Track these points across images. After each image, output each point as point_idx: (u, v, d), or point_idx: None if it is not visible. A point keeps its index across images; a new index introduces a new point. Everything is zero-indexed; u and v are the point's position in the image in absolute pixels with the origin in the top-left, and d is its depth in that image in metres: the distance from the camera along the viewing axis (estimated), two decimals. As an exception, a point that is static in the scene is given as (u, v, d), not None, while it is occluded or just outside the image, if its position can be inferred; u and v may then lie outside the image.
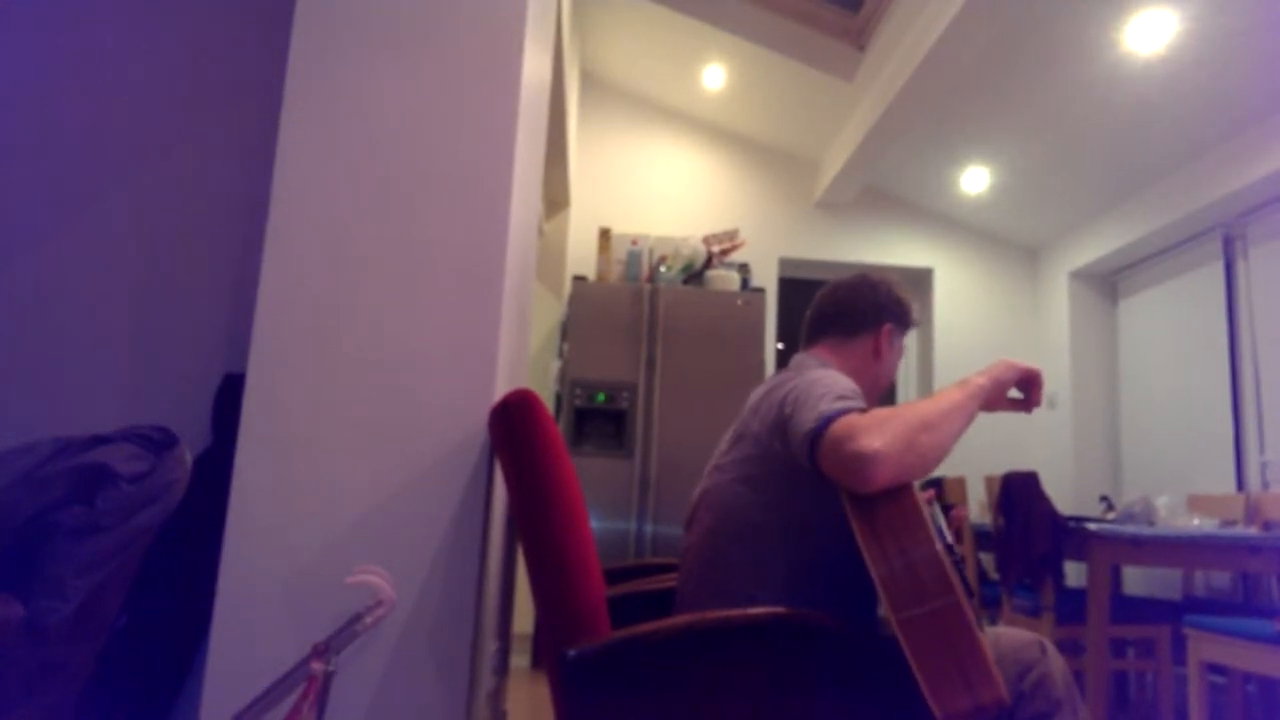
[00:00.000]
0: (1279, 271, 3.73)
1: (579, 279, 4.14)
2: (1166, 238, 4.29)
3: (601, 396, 3.94)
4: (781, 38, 4.06)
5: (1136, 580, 4.25)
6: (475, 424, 1.61)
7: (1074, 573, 4.24)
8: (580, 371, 3.97)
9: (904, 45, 3.65)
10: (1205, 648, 2.55)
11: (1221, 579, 3.77)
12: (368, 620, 1.28)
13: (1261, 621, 2.41)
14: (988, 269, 5.15)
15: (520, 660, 4.02)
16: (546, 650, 1.30)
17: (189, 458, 1.55)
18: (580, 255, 4.80)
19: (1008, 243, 5.19)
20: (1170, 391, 4.36)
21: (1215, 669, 3.10)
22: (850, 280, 1.65)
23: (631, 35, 4.46)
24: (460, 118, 1.71)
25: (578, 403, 3.94)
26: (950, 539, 1.40)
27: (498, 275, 1.66)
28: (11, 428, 1.94)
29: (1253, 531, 3.05)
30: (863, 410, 1.21)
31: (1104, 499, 3.97)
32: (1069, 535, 2.90)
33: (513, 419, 1.37)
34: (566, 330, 4.22)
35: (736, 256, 4.43)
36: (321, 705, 1.23)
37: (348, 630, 1.27)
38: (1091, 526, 2.78)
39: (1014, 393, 1.45)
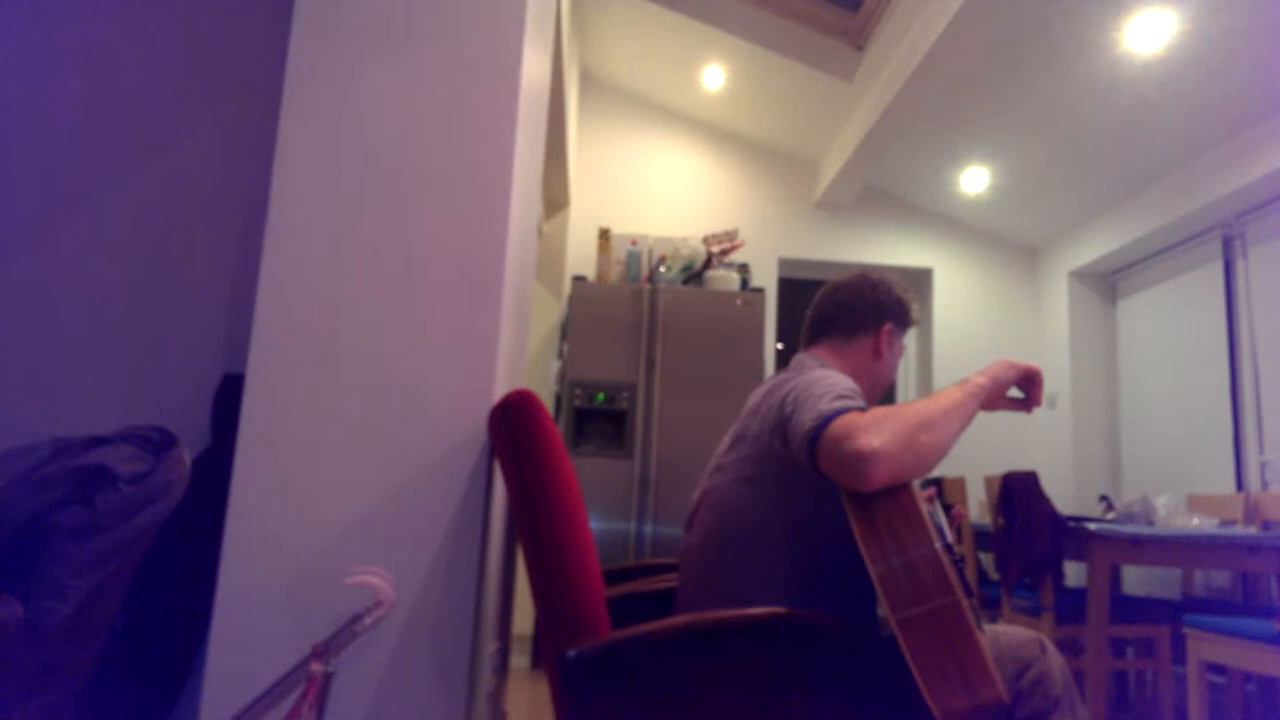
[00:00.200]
0: (1278, 271, 3.73)
1: (579, 279, 4.14)
2: (1166, 238, 4.30)
3: (601, 397, 3.94)
4: (781, 38, 4.07)
5: (1136, 580, 4.25)
6: (475, 424, 1.61)
7: (1073, 572, 4.24)
8: (580, 372, 3.97)
9: (903, 45, 3.65)
10: (1205, 647, 2.55)
11: (1221, 579, 3.77)
12: (367, 621, 1.28)
13: (1261, 621, 2.41)
14: (987, 269, 5.15)
15: (520, 660, 4.02)
16: (546, 650, 1.30)
17: (188, 458, 1.55)
18: (580, 255, 4.80)
19: (1007, 243, 5.20)
20: (1170, 391, 4.36)
21: (1215, 668, 3.11)
22: (850, 280, 1.65)
23: (631, 35, 4.46)
24: (460, 118, 1.71)
25: (577, 403, 3.94)
26: (951, 538, 1.40)
27: (497, 275, 1.66)
28: (11, 428, 1.94)
29: (1252, 531, 3.05)
30: (862, 409, 1.21)
31: (1103, 499, 3.97)
32: (1069, 535, 2.90)
33: (512, 419, 1.37)
34: (566, 330, 4.22)
35: (736, 257, 4.43)
36: (321, 705, 1.23)
37: (347, 631, 1.27)
38: (1091, 526, 2.78)
39: (1014, 392, 1.45)
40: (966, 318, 5.07)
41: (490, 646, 1.81)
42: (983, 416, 1.38)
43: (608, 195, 4.96)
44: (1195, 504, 3.62)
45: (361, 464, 1.57)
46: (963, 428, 1.25)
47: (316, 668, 1.24)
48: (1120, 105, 3.73)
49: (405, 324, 1.63)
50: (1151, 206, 4.22)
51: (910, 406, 1.20)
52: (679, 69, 4.61)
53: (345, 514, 1.56)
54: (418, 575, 1.55)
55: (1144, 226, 4.27)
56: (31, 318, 2.04)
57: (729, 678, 1.21)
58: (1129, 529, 2.77)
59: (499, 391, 1.67)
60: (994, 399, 1.39)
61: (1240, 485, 3.82)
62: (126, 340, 2.06)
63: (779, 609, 1.24)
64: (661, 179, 5.01)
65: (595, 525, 3.80)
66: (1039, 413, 4.89)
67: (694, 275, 4.22)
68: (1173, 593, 3.97)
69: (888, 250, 5.08)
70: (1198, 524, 2.99)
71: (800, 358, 1.59)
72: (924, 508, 1.15)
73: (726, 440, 1.53)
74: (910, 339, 5.24)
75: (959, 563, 1.24)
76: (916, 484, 1.20)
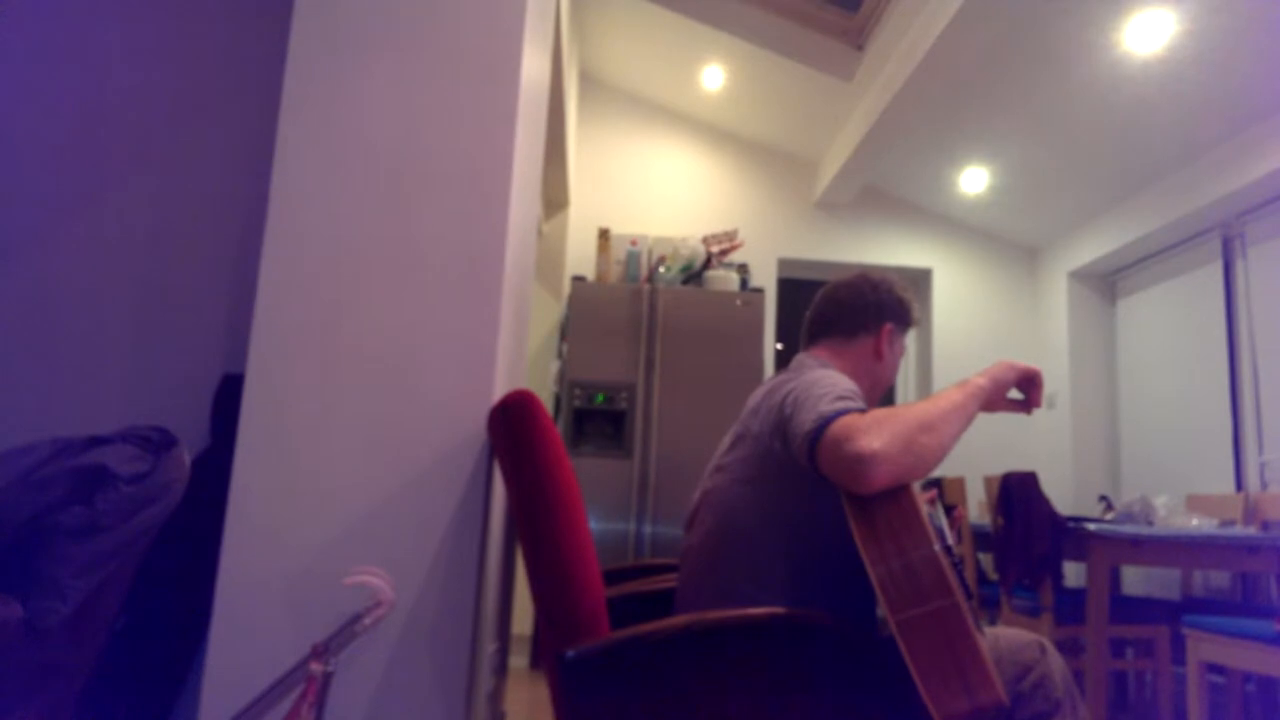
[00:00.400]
0: (1278, 272, 3.73)
1: (578, 279, 4.14)
2: (1166, 238, 4.30)
3: (601, 397, 3.94)
4: (780, 38, 4.07)
5: (1135, 580, 4.26)
6: (474, 424, 1.61)
7: (1073, 573, 4.25)
8: (579, 372, 3.97)
9: (903, 45, 3.65)
10: (1204, 647, 2.55)
11: (1220, 579, 3.78)
12: (367, 621, 1.28)
13: (1260, 621, 2.41)
14: (987, 269, 5.15)
15: (519, 660, 4.02)
16: (546, 651, 1.30)
17: (188, 458, 1.55)
18: (579, 256, 4.80)
19: (1007, 243, 5.20)
20: (1169, 391, 4.36)
21: (1214, 669, 3.11)
22: (850, 280, 1.65)
23: (630, 36, 4.46)
24: (460, 118, 1.71)
25: (577, 403, 3.94)
26: (951, 540, 1.40)
27: (497, 276, 1.66)
28: (11, 428, 1.94)
29: (1251, 531, 3.05)
30: (862, 411, 1.21)
31: (1103, 499, 3.97)
32: (1068, 535, 2.90)
33: (512, 420, 1.37)
34: (566, 331, 4.22)
35: (735, 257, 4.43)
36: (320, 705, 1.23)
37: (347, 631, 1.27)
38: (1090, 526, 2.79)
39: (1014, 393, 1.45)
40: (966, 318, 5.07)
41: (489, 646, 1.81)
42: (982, 417, 1.38)
43: (607, 195, 4.96)
44: (1194, 504, 3.62)
45: (361, 464, 1.57)
46: (962, 429, 1.25)
47: (316, 667, 1.24)
48: (1120, 105, 3.73)
49: (405, 324, 1.63)
50: (1151, 206, 4.22)
51: (910, 408, 1.20)
52: (679, 69, 4.61)
53: (345, 514, 1.56)
54: (417, 575, 1.55)
55: (1144, 226, 4.27)
56: (32, 318, 2.04)
57: (728, 678, 1.21)
58: (1128, 529, 2.77)
59: (499, 392, 1.67)
60: (994, 400, 1.39)
61: (1239, 485, 3.82)
62: (126, 340, 2.06)
63: (778, 609, 1.24)
64: (661, 179, 5.01)
65: (595, 525, 3.80)
66: (1039, 413, 4.89)
67: (693, 275, 4.22)
68: (1172, 593, 3.97)
69: (887, 250, 5.08)
70: (1197, 524, 2.99)
71: (800, 358, 1.58)
72: (924, 509, 1.15)
73: (727, 440, 1.53)
74: (910, 339, 5.23)
75: (959, 565, 1.24)
76: (917, 485, 1.20)
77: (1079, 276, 4.88)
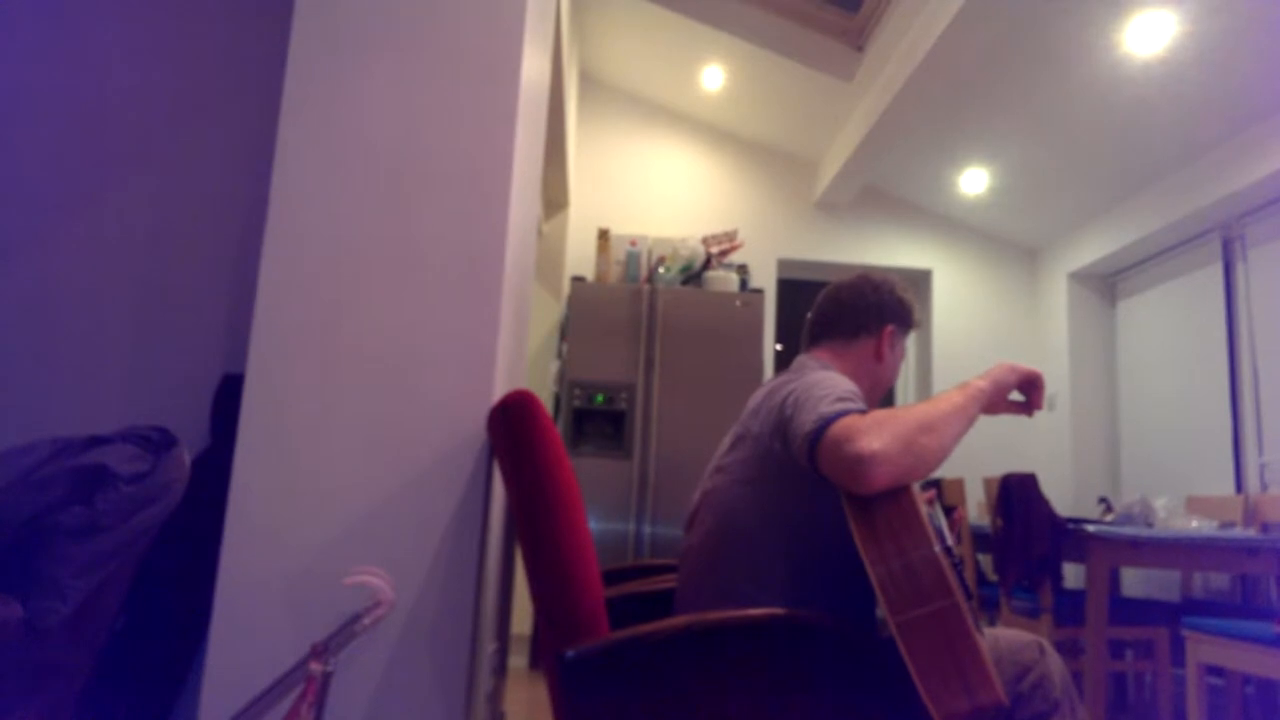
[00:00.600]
0: (1278, 273, 3.73)
1: (578, 280, 4.14)
2: (1166, 239, 4.30)
3: (600, 397, 3.94)
4: (780, 38, 4.07)
5: (1135, 582, 4.26)
6: (474, 425, 1.61)
7: (1072, 574, 4.25)
8: (579, 372, 3.97)
9: (903, 46, 3.65)
10: (1204, 649, 2.55)
11: (1220, 581, 3.78)
12: (366, 621, 1.28)
13: (1260, 623, 2.41)
14: (987, 270, 5.15)
15: (519, 661, 4.02)
16: (545, 651, 1.30)
17: (188, 458, 1.55)
18: (579, 256, 4.80)
19: (1007, 244, 5.20)
20: (1169, 393, 4.36)
21: (1214, 670, 3.11)
22: (851, 281, 1.64)
23: (630, 36, 4.46)
24: (460, 118, 1.71)
25: (577, 403, 3.94)
26: (951, 541, 1.40)
27: (496, 276, 1.66)
28: (11, 428, 1.94)
29: (1251, 533, 3.05)
30: (862, 412, 1.21)
31: (1102, 500, 3.96)
32: (1068, 537, 2.90)
33: (512, 420, 1.37)
34: (565, 331, 4.22)
35: (735, 257, 4.43)
36: (320, 705, 1.23)
37: (346, 630, 1.27)
38: (1090, 528, 2.79)
39: (1015, 395, 1.45)
40: (966, 319, 5.07)
41: (489, 647, 1.81)
42: (982, 419, 1.38)
43: (607, 195, 4.96)
44: (1194, 506, 3.62)
45: (361, 464, 1.57)
46: (963, 431, 1.25)
47: (315, 667, 1.24)
48: (1120, 106, 3.73)
49: (405, 324, 1.63)
50: (1151, 208, 4.22)
51: (911, 409, 1.20)
52: (679, 69, 4.61)
53: (345, 514, 1.56)
54: (417, 575, 1.55)
55: (1144, 228, 4.27)
56: (32, 318, 2.04)
57: (728, 678, 1.21)
58: (1128, 531, 2.77)
59: (499, 392, 1.67)
60: (995, 402, 1.39)
61: (1239, 487, 3.82)
62: (127, 340, 2.06)
63: (778, 609, 1.24)
64: (661, 179, 5.01)
65: (594, 525, 3.80)
66: (1039, 414, 4.86)
67: (693, 276, 4.22)
68: (1172, 594, 3.97)
69: (887, 251, 5.08)
70: (1197, 526, 3.00)
71: (801, 359, 1.58)
72: (924, 510, 1.15)
73: (727, 441, 1.53)
74: (910, 341, 5.22)
75: (959, 565, 1.25)
76: (916, 486, 1.20)
77: (1079, 277, 4.88)
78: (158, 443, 1.50)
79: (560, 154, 4.06)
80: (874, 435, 1.12)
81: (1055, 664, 1.32)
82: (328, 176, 1.67)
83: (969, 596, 1.20)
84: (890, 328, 1.60)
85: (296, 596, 1.52)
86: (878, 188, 5.10)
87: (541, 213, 4.37)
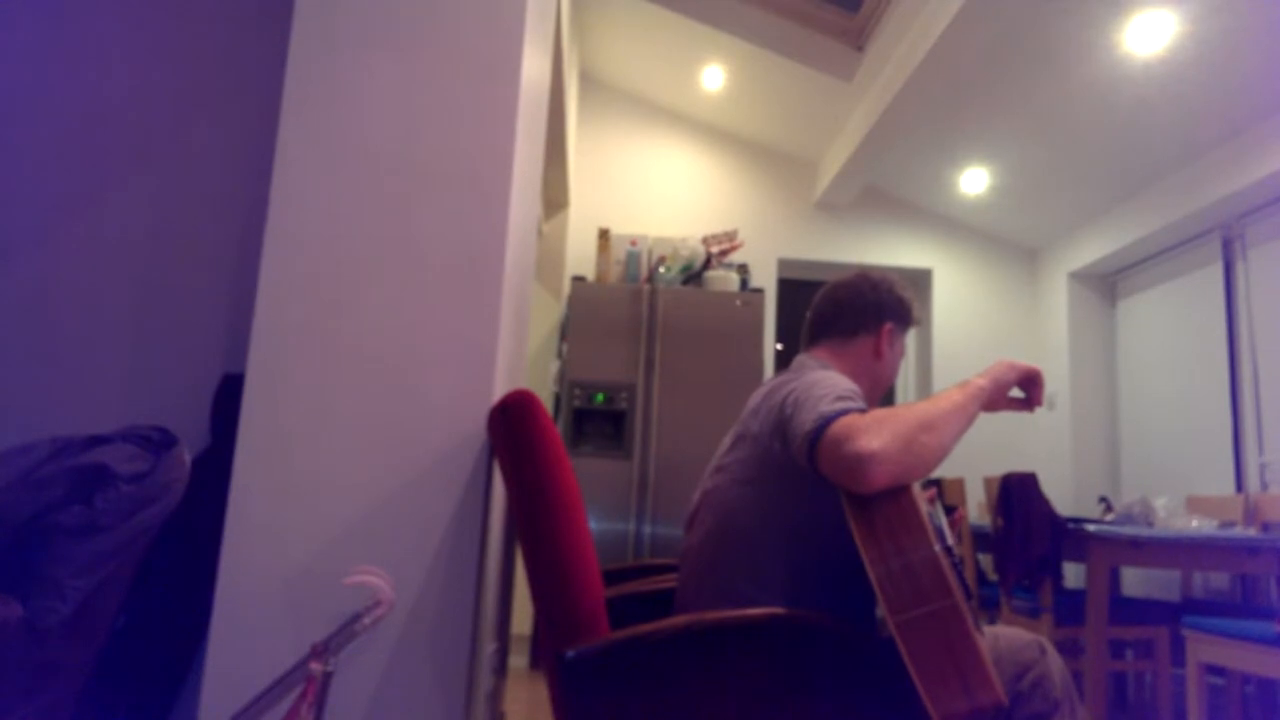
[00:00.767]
0: (1278, 273, 3.73)
1: (578, 279, 4.14)
2: (1166, 239, 4.30)
3: (600, 397, 3.94)
4: (780, 38, 4.07)
5: (1135, 581, 4.26)
6: (474, 424, 1.61)
7: (1073, 574, 4.25)
8: (579, 372, 3.97)
9: (903, 46, 3.65)
10: (1204, 649, 2.55)
11: (1220, 580, 3.78)
12: (366, 620, 1.28)
13: (1260, 623, 2.41)
14: (987, 269, 5.15)
15: (519, 661, 4.02)
16: (545, 651, 1.30)
17: (188, 458, 1.55)
18: (579, 256, 4.80)
19: (1007, 243, 5.20)
20: (1169, 392, 4.36)
21: (1214, 670, 3.11)
22: (850, 279, 1.64)
23: (630, 36, 4.46)
24: (459, 118, 1.71)
25: (577, 403, 3.94)
26: (951, 540, 1.40)
27: (496, 275, 1.66)
28: (11, 428, 1.94)
29: (1251, 533, 3.05)
30: (862, 411, 1.21)
31: (1103, 500, 3.97)
32: (1068, 536, 2.90)
33: (512, 420, 1.37)
34: (565, 331, 4.22)
35: (735, 257, 4.43)
36: (320, 705, 1.23)
37: (346, 630, 1.27)
38: (1090, 528, 2.79)
39: (1016, 392, 1.45)
40: (966, 319, 5.07)
41: (489, 646, 1.81)
42: (983, 418, 1.38)
43: (607, 195, 4.96)
44: (1194, 505, 3.62)
45: (361, 464, 1.57)
46: (963, 430, 1.25)
47: (315, 667, 1.24)
48: (1120, 106, 3.73)
49: (405, 324, 1.63)
50: (1151, 208, 4.22)
51: (910, 408, 1.20)
52: (679, 69, 4.61)
53: (345, 514, 1.56)
54: (417, 575, 1.55)
55: (1144, 228, 4.27)
56: (32, 318, 2.04)
57: (728, 678, 1.21)
58: (1128, 530, 2.77)
59: (499, 391, 1.67)
60: (995, 400, 1.39)
61: (1240, 487, 3.82)
62: (126, 340, 2.06)
63: (778, 609, 1.24)
64: (661, 179, 5.01)
65: (594, 525, 3.80)
66: (1039, 413, 4.89)
67: (693, 276, 4.22)
68: (1172, 594, 3.97)
69: (887, 251, 5.08)
70: (1197, 525, 3.00)
71: (801, 359, 1.59)
72: (924, 509, 1.15)
73: (727, 441, 1.53)
74: (910, 340, 5.24)
75: (959, 565, 1.24)
76: (917, 485, 1.20)
77: (1079, 277, 4.88)
78: (158, 443, 1.50)
79: (560, 154, 4.06)
80: (874, 434, 1.12)
81: (1055, 663, 1.32)
82: (328, 176, 1.67)
83: (969, 596, 1.20)
84: (889, 325, 1.60)
85: (296, 596, 1.52)
86: (878, 188, 5.10)
87: (541, 213, 4.37)
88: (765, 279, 4.89)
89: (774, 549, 1.36)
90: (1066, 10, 3.25)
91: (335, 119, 1.69)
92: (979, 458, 4.71)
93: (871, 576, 1.08)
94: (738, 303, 4.07)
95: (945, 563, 1.08)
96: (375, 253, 1.65)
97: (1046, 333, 5.02)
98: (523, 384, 2.33)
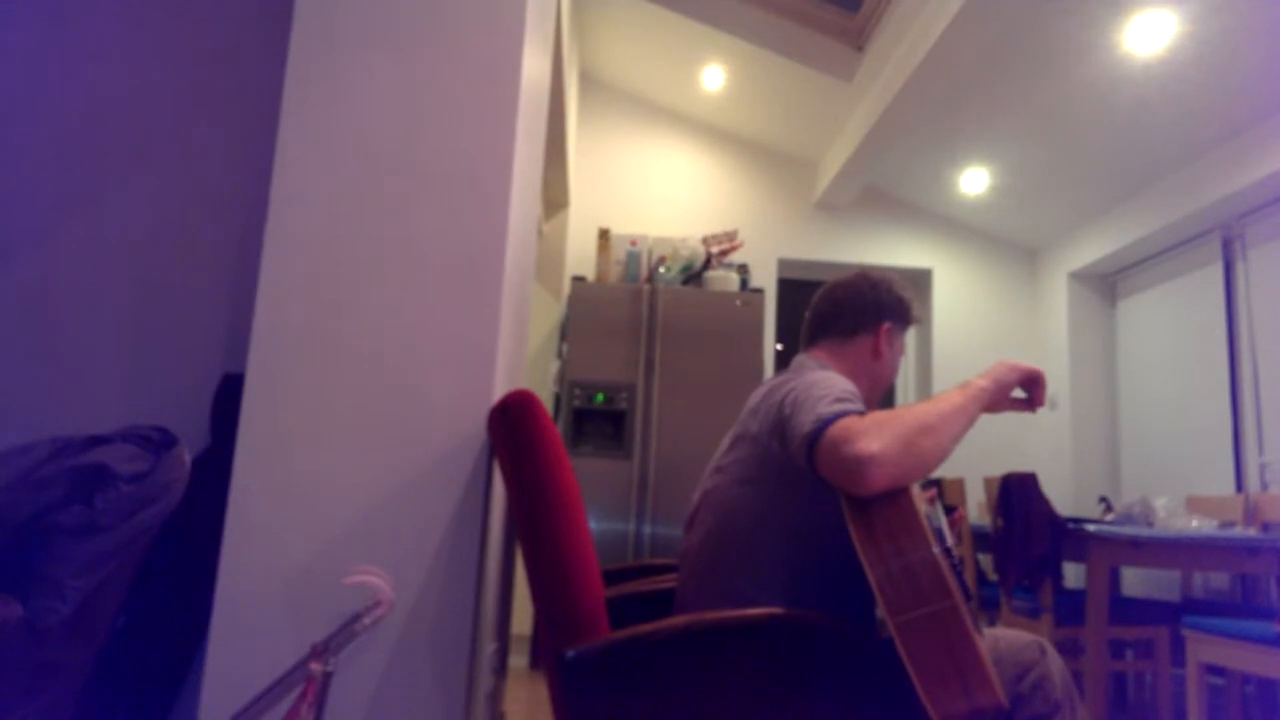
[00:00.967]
0: (1278, 273, 3.73)
1: (578, 279, 4.14)
2: (1166, 239, 4.30)
3: (600, 397, 3.94)
4: (780, 38, 4.07)
5: (1135, 581, 4.26)
6: (474, 424, 1.61)
7: (1073, 574, 4.25)
8: (579, 372, 3.97)
9: (903, 46, 3.65)
10: (1204, 649, 2.55)
11: (1220, 580, 3.78)
12: (366, 620, 1.28)
13: (1260, 623, 2.41)
14: (987, 269, 5.15)
15: (519, 661, 4.02)
16: (545, 651, 1.30)
17: (188, 458, 1.55)
18: (579, 256, 4.80)
19: (1007, 243, 5.20)
20: (1169, 392, 4.36)
21: (1214, 670, 3.11)
22: (848, 279, 1.64)
23: (630, 36, 4.46)
24: (460, 118, 1.71)
25: (577, 403, 3.94)
26: (951, 541, 1.40)
27: (496, 275, 1.66)
28: (10, 428, 1.94)
29: (1251, 533, 3.05)
30: (861, 413, 1.21)
31: (1103, 500, 3.97)
32: (1068, 536, 2.90)
33: (512, 420, 1.37)
34: (565, 331, 4.22)
35: (735, 257, 4.43)
36: (320, 705, 1.23)
37: (346, 630, 1.27)
38: (1090, 528, 2.78)
39: (1018, 392, 1.45)
40: (966, 319, 5.07)
41: (489, 646, 1.81)
42: (983, 418, 1.38)
43: (607, 195, 4.96)
44: (1194, 505, 3.62)
45: (361, 464, 1.57)
46: (964, 431, 1.25)
47: (315, 667, 1.24)
48: (1120, 106, 3.73)
49: (405, 324, 1.63)
50: (1151, 208, 4.22)
51: (910, 410, 1.20)
52: (679, 69, 4.61)
53: (345, 514, 1.56)
54: (417, 575, 1.55)
55: (1144, 227, 4.27)
56: (32, 317, 2.04)
57: (728, 679, 1.21)
58: (1128, 530, 2.77)
59: (498, 391, 1.67)
60: (997, 401, 1.38)
61: (1240, 487, 3.82)
62: (126, 340, 2.06)
63: (777, 610, 1.24)
64: (661, 179, 5.01)
65: (594, 525, 3.80)
66: (1039, 413, 4.89)
67: (693, 276, 4.22)
68: (1172, 594, 3.97)
69: (887, 251, 5.08)
70: (1197, 525, 2.99)
71: (800, 359, 1.58)
72: (923, 511, 1.15)
73: (726, 441, 1.53)
74: (910, 340, 5.24)
75: (958, 566, 1.24)
76: (916, 486, 1.20)
77: (1079, 277, 4.88)
78: (158, 443, 1.50)
79: (560, 154, 4.06)
80: (873, 436, 1.12)
81: (1055, 664, 1.32)
82: (328, 176, 1.67)
83: (969, 597, 1.20)
84: (887, 325, 1.59)
85: (296, 596, 1.52)
86: (878, 188, 5.10)
87: (541, 213, 4.37)
88: (765, 279, 4.89)
89: (774, 549, 1.36)
90: (1066, 10, 3.25)
91: (335, 119, 1.69)
92: (979, 458, 4.71)
93: (871, 578, 1.08)
94: (738, 303, 4.07)
95: (945, 564, 1.08)
96: (375, 253, 1.65)
97: (1046, 333, 5.02)
98: (523, 384, 2.33)
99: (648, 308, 4.04)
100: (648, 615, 1.50)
